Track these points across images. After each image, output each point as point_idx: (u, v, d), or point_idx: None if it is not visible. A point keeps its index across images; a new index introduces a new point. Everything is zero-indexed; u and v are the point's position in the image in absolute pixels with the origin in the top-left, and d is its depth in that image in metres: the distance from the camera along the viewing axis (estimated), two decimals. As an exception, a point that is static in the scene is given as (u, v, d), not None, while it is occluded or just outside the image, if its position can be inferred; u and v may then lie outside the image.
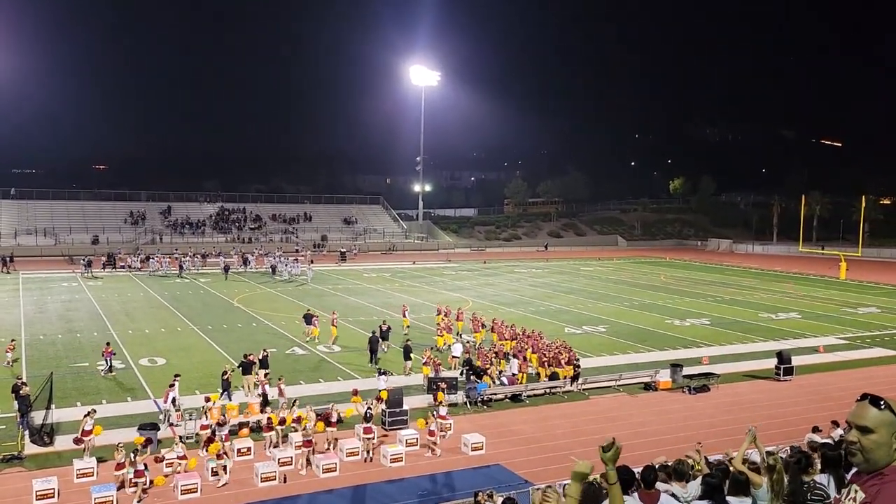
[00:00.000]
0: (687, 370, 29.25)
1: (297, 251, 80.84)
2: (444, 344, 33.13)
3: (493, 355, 28.85)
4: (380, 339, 31.68)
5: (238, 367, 26.99)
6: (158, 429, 21.31)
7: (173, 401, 23.13)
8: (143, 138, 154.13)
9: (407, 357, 29.52)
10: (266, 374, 30.95)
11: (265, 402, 23.28)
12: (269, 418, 20.93)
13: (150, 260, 65.14)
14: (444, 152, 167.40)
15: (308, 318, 36.46)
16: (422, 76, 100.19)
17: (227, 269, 60.28)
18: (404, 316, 39.13)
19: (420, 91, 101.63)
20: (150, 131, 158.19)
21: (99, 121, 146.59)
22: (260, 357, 27.73)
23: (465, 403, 25.33)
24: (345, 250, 79.64)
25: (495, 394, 26.04)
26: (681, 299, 52.66)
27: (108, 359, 28.67)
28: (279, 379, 25.45)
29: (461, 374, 26.96)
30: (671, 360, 31.17)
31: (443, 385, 24.92)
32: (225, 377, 24.78)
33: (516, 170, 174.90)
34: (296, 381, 27.70)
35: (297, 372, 29.26)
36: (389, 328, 34.51)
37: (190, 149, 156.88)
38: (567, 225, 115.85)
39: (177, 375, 24.56)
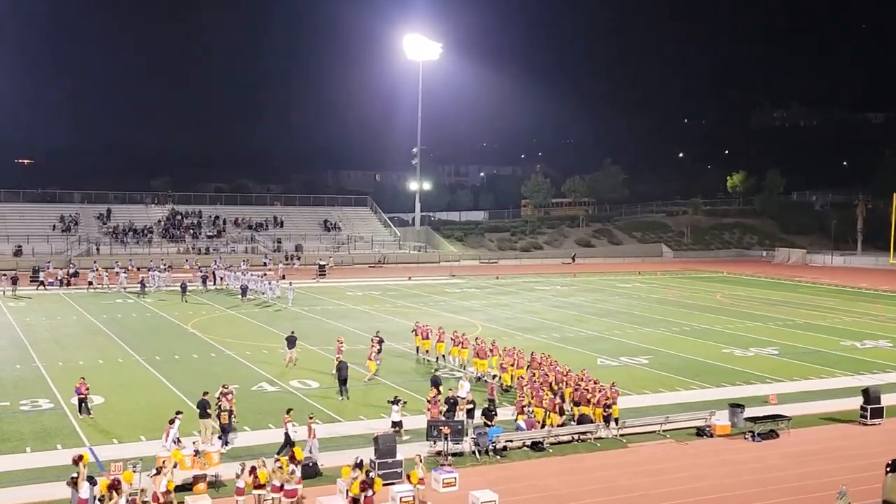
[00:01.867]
0: (750, 411, 29.18)
1: (265, 264, 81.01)
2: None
3: (534, 392, 28.64)
4: (347, 366, 32.37)
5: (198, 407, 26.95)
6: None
7: (176, 440, 23.58)
8: (76, 128, 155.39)
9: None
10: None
11: (288, 442, 23.84)
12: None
13: (120, 275, 65.04)
14: (447, 143, 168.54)
15: (291, 341, 37.59)
16: (419, 48, 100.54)
17: (184, 287, 59.32)
18: (426, 338, 39.54)
19: (417, 67, 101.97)
20: (86, 119, 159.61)
21: (22, 106, 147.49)
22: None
23: (474, 452, 25.32)
24: (324, 262, 79.80)
25: (511, 440, 26.00)
26: (742, 324, 52.58)
27: (81, 397, 28.43)
28: (309, 417, 24.92)
29: (446, 413, 26.83)
30: (730, 399, 31.08)
31: (445, 430, 24.92)
32: (171, 424, 24.25)
33: (536, 163, 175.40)
34: (263, 425, 27.71)
35: (264, 414, 29.23)
36: (382, 340, 37.39)
37: (134, 141, 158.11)
38: (599, 231, 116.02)
39: (179, 412, 24.88)
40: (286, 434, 24.57)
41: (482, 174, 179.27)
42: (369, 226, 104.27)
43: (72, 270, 69.12)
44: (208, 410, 26.23)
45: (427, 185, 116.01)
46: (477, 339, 37.78)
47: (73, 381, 33.65)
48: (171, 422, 23.99)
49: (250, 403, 30.61)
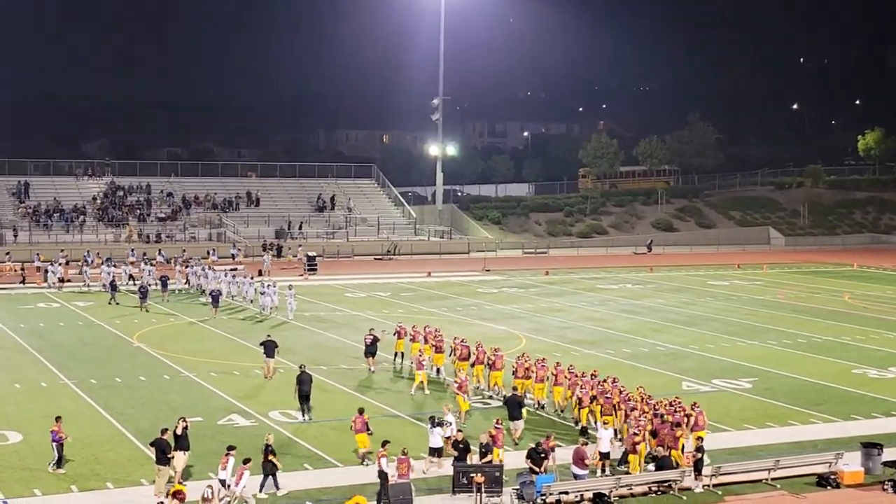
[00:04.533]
0: (890, 453, 28.99)
1: (233, 257, 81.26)
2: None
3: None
4: (311, 379, 34.07)
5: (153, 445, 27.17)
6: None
7: (222, 483, 24.92)
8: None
9: (517, 415, 31.33)
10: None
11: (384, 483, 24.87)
12: None
13: (103, 268, 65.11)
14: (479, 92, 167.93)
15: (270, 349, 39.09)
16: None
17: (144, 292, 57.94)
18: (439, 351, 39.90)
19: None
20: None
21: None
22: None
23: (517, 509, 25.44)
24: (314, 254, 80.00)
25: (566, 492, 25.94)
26: (879, 334, 52.10)
27: (57, 444, 28.29)
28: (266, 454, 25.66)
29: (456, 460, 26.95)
30: (863, 437, 30.80)
31: (477, 477, 24.94)
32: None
33: (598, 119, 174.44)
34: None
35: (237, 454, 29.41)
36: (377, 339, 40.76)
37: (60, 92, 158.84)
38: (685, 210, 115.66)
39: (231, 447, 26.08)
40: (380, 472, 25.48)
41: (525, 134, 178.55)
42: (375, 204, 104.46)
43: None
44: (168, 454, 26.43)
45: (452, 150, 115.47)
46: (524, 356, 37.46)
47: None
48: (227, 454, 25.60)
49: (217, 441, 30.71)
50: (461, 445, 27.14)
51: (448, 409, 30.26)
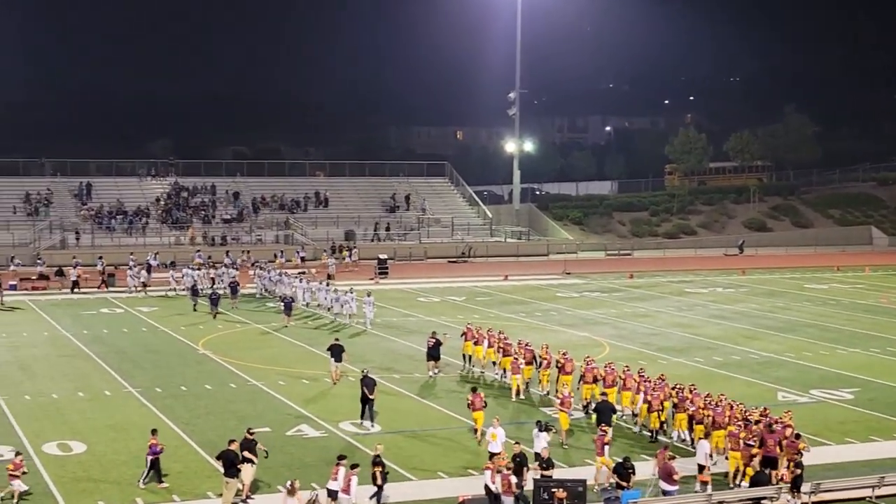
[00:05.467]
0: None
1: (302, 259, 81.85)
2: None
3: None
4: (374, 383, 35.38)
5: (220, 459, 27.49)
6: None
7: (332, 494, 25.58)
8: (43, 73, 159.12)
9: (609, 421, 31.05)
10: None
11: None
12: None
13: (186, 272, 65.90)
14: (558, 85, 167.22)
15: (337, 353, 39.97)
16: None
17: (215, 298, 57.84)
18: (506, 355, 40.18)
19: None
20: (58, 66, 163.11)
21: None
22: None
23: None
24: (385, 257, 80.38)
25: (654, 509, 25.88)
26: None
27: (153, 457, 28.58)
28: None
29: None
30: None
31: (559, 493, 24.85)
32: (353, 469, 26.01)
33: (686, 112, 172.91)
34: (305, 484, 28.04)
35: (306, 467, 29.75)
36: (439, 343, 42.16)
37: (123, 91, 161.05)
38: (779, 208, 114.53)
39: (342, 457, 26.69)
40: (486, 487, 25.93)
41: (608, 128, 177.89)
42: (448, 203, 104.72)
43: (42, 267, 71.24)
44: (238, 465, 26.72)
45: (530, 146, 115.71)
46: (612, 366, 37.39)
47: (42, 420, 34.94)
48: (354, 467, 26.05)
49: (286, 453, 31.09)
50: (517, 459, 27.01)
51: (497, 422, 30.12)
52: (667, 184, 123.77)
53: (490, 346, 42.11)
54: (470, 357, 43.37)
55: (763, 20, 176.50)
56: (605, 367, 36.35)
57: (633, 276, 79.50)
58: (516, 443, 28.08)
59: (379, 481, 26.41)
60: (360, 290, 59.43)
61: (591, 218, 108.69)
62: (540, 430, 29.03)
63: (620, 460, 27.55)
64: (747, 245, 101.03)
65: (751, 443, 28.28)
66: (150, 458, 28.24)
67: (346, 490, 25.57)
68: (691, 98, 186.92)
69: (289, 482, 25.11)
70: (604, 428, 29.59)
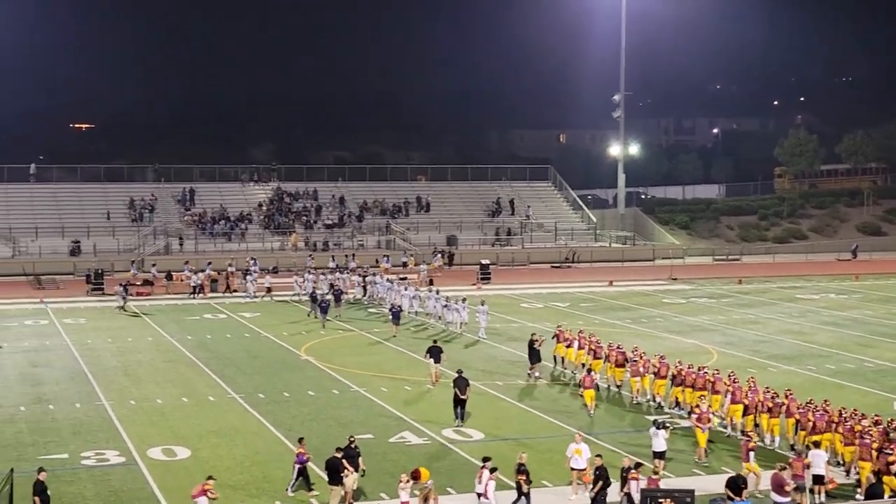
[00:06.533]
0: None
1: (404, 264, 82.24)
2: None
3: None
4: (467, 383, 36.04)
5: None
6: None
7: (479, 496, 26.05)
8: (147, 80, 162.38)
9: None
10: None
11: None
12: None
13: (307, 276, 66.24)
14: (664, 87, 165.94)
15: (435, 354, 41.29)
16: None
17: (325, 306, 57.04)
18: (599, 358, 40.83)
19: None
20: (161, 73, 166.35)
21: (77, 54, 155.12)
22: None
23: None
24: (487, 262, 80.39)
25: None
26: None
27: (301, 465, 28.72)
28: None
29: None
30: None
31: (666, 503, 24.63)
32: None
33: (796, 113, 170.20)
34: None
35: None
36: (534, 343, 42.92)
37: (225, 95, 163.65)
38: (894, 211, 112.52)
39: (486, 459, 26.68)
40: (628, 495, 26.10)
41: (715, 130, 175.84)
42: (551, 208, 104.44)
43: (137, 271, 73.08)
44: (342, 473, 26.92)
45: (635, 149, 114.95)
46: (717, 373, 36.93)
47: (147, 425, 35.58)
48: (493, 470, 26.20)
49: (389, 460, 31.21)
50: (598, 473, 26.73)
51: (580, 437, 29.55)
52: (776, 187, 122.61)
53: (581, 347, 42.74)
54: (562, 359, 44.16)
55: (875, 18, 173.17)
56: (699, 370, 36.69)
57: (742, 281, 78.69)
58: (598, 455, 27.75)
59: (525, 489, 26.46)
60: (471, 297, 59.48)
61: (698, 222, 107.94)
62: (658, 429, 29.66)
63: (734, 475, 27.15)
64: (861, 250, 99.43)
65: (889, 451, 27.66)
66: (297, 466, 28.47)
67: (485, 493, 25.85)
68: (802, 99, 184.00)
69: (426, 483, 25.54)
70: (749, 434, 29.73)
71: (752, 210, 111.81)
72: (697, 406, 33.21)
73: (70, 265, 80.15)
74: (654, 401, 38.13)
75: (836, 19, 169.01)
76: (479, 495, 26.03)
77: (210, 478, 26.00)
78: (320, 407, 38.60)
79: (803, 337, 53.87)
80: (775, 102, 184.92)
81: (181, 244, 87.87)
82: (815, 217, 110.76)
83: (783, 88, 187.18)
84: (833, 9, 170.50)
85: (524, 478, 26.46)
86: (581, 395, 38.00)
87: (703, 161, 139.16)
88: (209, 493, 25.35)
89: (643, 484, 25.90)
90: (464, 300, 55.90)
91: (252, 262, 73.66)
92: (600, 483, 26.52)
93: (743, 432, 30.23)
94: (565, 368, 44.02)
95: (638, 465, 26.87)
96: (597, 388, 38.26)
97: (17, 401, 39.34)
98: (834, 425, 30.64)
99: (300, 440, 29.47)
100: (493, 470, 26.07)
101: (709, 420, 32.27)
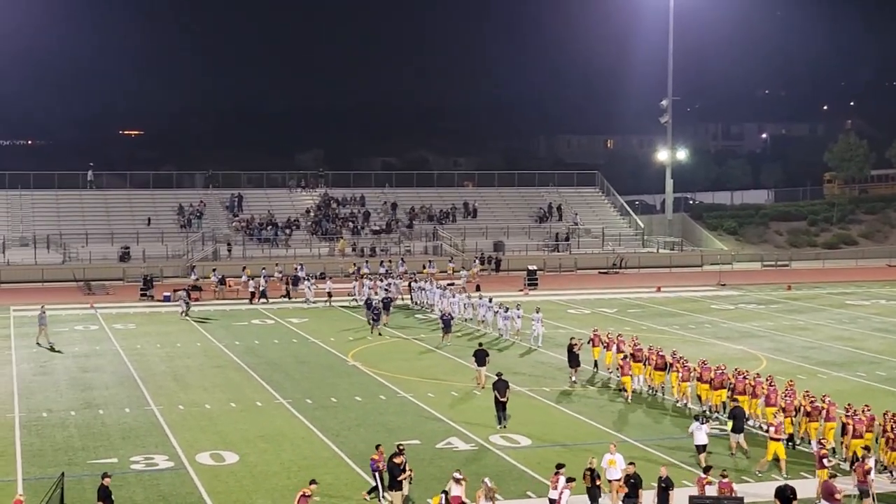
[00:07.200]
0: None
1: (452, 271, 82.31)
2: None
3: None
4: (507, 386, 36.35)
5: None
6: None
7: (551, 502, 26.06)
8: (198, 90, 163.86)
9: (741, 427, 32.11)
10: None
11: None
12: None
13: (366, 282, 66.95)
14: (712, 92, 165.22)
15: (481, 358, 42.05)
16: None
17: (377, 314, 56.73)
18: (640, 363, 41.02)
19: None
20: (210, 79, 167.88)
21: (127, 63, 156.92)
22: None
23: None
24: (534, 268, 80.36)
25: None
26: None
27: (377, 472, 28.67)
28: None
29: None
30: None
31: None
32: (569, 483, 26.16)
33: (846, 118, 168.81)
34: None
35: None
36: (573, 346, 43.41)
37: (273, 105, 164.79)
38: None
39: (560, 465, 26.79)
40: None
41: (764, 136, 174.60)
42: (599, 213, 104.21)
43: (194, 277, 73.70)
44: (400, 479, 27.10)
45: (683, 155, 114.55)
46: (745, 373, 37.27)
47: (196, 430, 35.96)
48: (570, 480, 26.00)
49: (436, 467, 31.35)
50: (632, 480, 26.68)
51: (614, 448, 29.24)
52: (826, 192, 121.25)
53: (619, 350, 43.44)
54: (597, 362, 45.64)
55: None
56: (735, 373, 37.00)
57: (791, 287, 78.16)
58: (630, 463, 27.66)
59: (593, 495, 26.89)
60: (525, 304, 59.19)
61: (747, 228, 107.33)
62: (701, 423, 30.16)
63: (781, 485, 26.97)
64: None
65: None
66: (375, 473, 28.58)
67: (559, 501, 25.87)
68: (852, 103, 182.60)
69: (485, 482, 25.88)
70: (822, 441, 29.73)
71: (802, 215, 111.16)
72: (774, 418, 32.73)
73: (119, 271, 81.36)
74: (702, 405, 37.93)
75: (886, 22, 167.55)
76: (552, 501, 25.95)
77: (313, 482, 26.27)
78: (367, 412, 38.81)
79: (853, 343, 53.52)
80: (825, 107, 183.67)
81: (229, 250, 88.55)
82: (866, 222, 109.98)
83: (832, 93, 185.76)
84: (882, 12, 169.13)
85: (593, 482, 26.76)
86: (622, 388, 40.58)
87: (751, 166, 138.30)
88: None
89: (712, 490, 25.91)
90: (518, 307, 55.54)
91: (299, 267, 74.17)
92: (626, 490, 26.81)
93: (818, 441, 29.97)
94: (598, 370, 45.40)
95: (707, 469, 26.95)
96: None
97: (68, 405, 39.90)
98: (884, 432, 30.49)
99: (377, 447, 29.24)
100: (569, 480, 25.90)
101: (783, 431, 31.89)
